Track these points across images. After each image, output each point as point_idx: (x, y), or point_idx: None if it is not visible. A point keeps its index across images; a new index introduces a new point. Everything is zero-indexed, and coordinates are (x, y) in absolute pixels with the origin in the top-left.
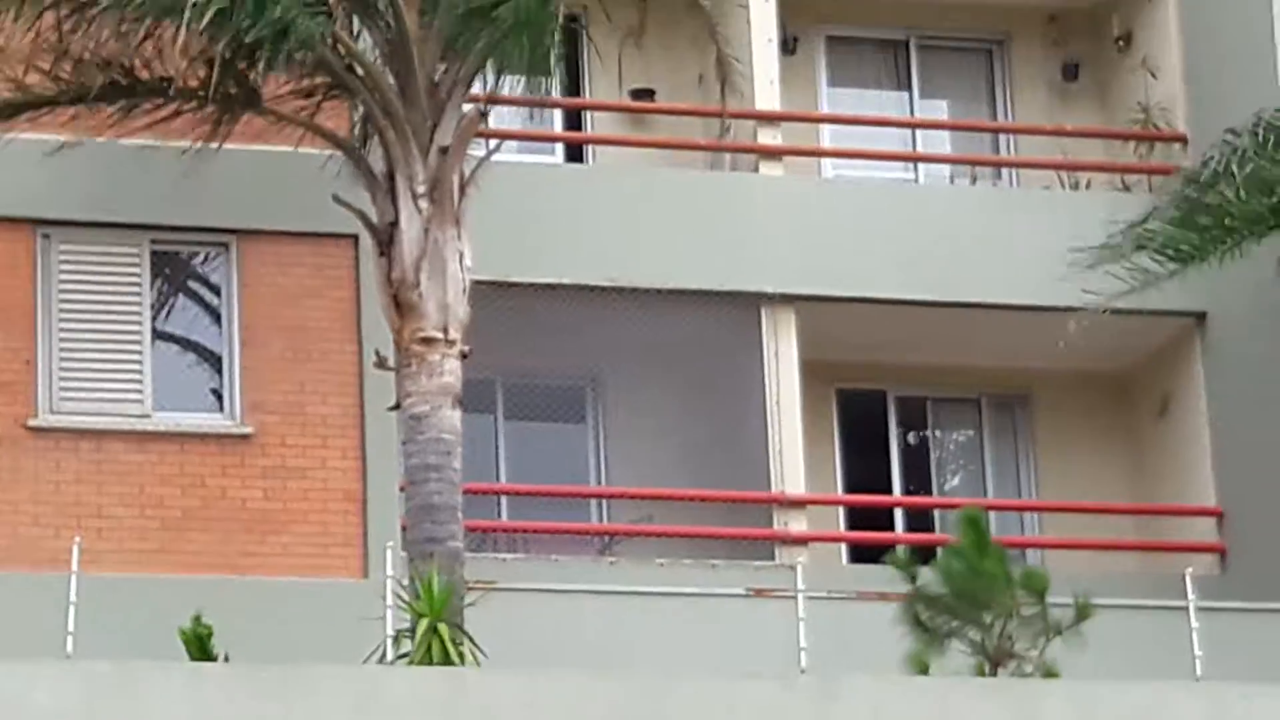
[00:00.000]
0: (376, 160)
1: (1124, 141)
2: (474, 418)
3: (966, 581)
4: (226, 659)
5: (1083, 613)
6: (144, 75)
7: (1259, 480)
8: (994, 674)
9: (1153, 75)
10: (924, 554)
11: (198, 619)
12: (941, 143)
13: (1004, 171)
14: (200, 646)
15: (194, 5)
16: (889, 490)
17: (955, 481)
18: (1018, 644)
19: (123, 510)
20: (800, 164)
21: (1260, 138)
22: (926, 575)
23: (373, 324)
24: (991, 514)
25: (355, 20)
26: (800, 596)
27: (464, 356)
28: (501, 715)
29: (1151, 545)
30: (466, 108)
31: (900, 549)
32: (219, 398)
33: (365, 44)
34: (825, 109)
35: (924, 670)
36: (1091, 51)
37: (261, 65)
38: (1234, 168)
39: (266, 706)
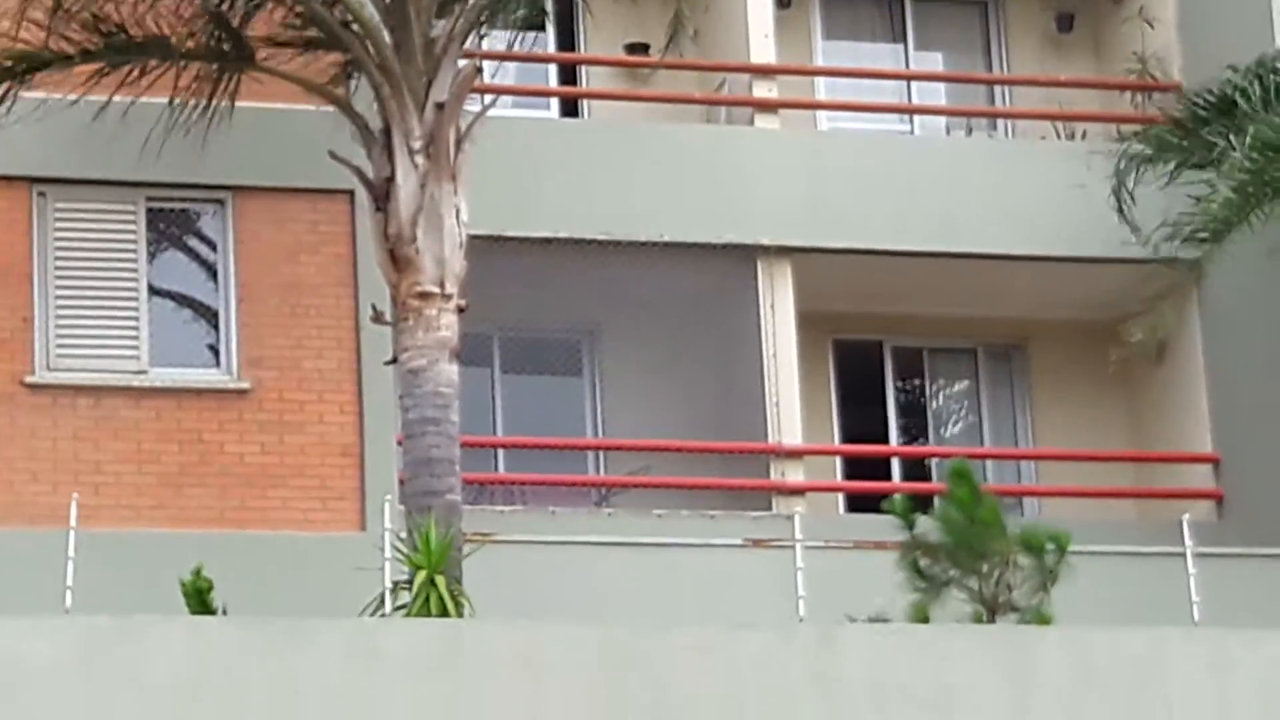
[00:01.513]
0: (372, 116)
1: (1119, 92)
2: (471, 371)
3: (963, 531)
4: (225, 612)
5: (1061, 546)
6: (136, 34)
7: (1255, 426)
8: (992, 621)
9: (1149, 25)
10: (922, 503)
11: (198, 572)
12: (937, 95)
13: (999, 123)
14: (200, 599)
15: None
16: (886, 440)
17: (952, 431)
18: (1015, 592)
19: (120, 466)
20: (796, 117)
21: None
22: (924, 524)
23: (369, 279)
24: (989, 462)
25: None
26: (798, 546)
27: (461, 310)
28: (499, 666)
29: (1148, 492)
30: (462, 63)
31: (899, 497)
32: (216, 353)
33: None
34: (820, 62)
35: (923, 619)
36: (1085, 2)
37: (247, 9)
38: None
39: (264, 659)
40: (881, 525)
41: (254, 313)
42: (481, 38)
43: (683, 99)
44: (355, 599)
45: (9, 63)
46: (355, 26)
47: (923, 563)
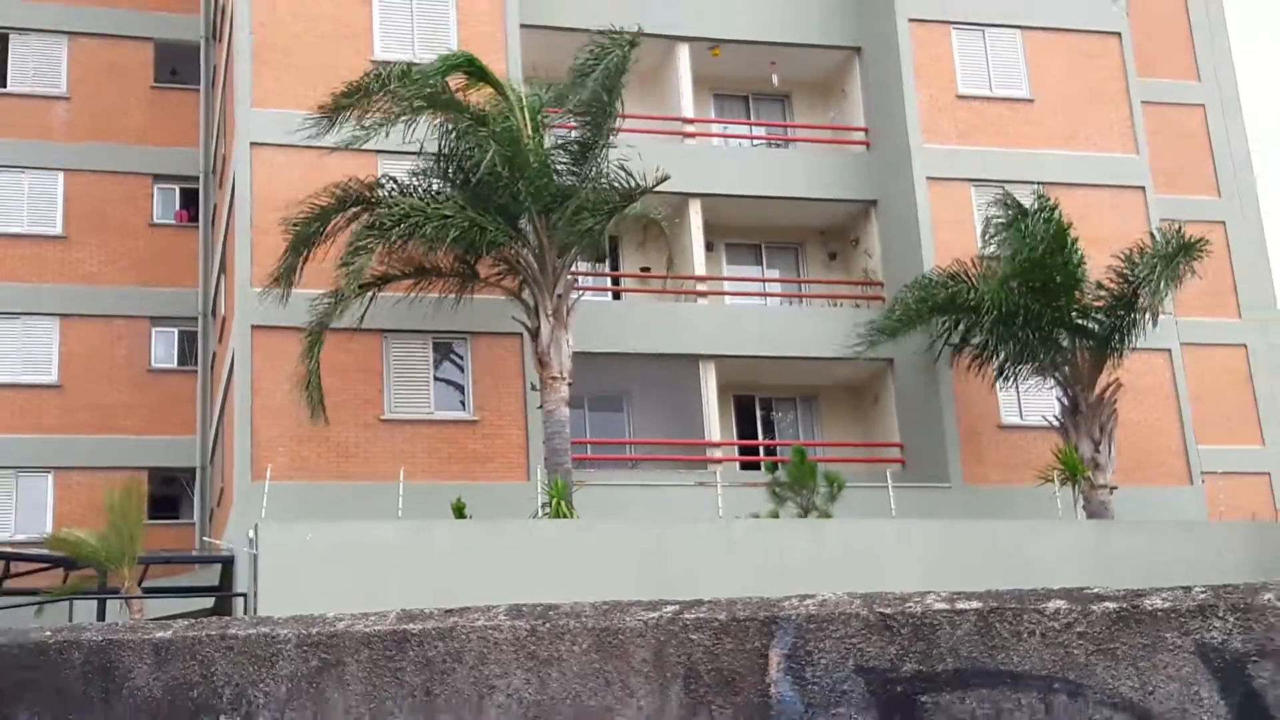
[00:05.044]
0: (529, 299)
1: (857, 285)
2: (575, 411)
3: (795, 476)
4: (472, 517)
5: (839, 486)
6: (427, 264)
7: (919, 429)
8: (805, 517)
9: (869, 256)
10: (774, 466)
11: (458, 499)
12: (778, 288)
13: (805, 301)
14: (460, 512)
15: (443, 229)
16: (757, 437)
17: (786, 434)
18: (817, 502)
19: (421, 455)
20: (715, 299)
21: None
22: (777, 475)
23: (530, 372)
24: (805, 449)
25: (518, 237)
26: (719, 485)
27: (570, 385)
28: (590, 544)
29: (872, 460)
30: (569, 276)
31: (765, 463)
32: (463, 404)
33: (523, 247)
34: (726, 273)
35: (775, 515)
36: (841, 245)
37: (479, 257)
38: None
39: (485, 540)
40: (756, 476)
41: (479, 389)
42: (577, 263)
43: (666, 290)
44: (524, 510)
45: (372, 278)
46: (521, 261)
47: (776, 490)
